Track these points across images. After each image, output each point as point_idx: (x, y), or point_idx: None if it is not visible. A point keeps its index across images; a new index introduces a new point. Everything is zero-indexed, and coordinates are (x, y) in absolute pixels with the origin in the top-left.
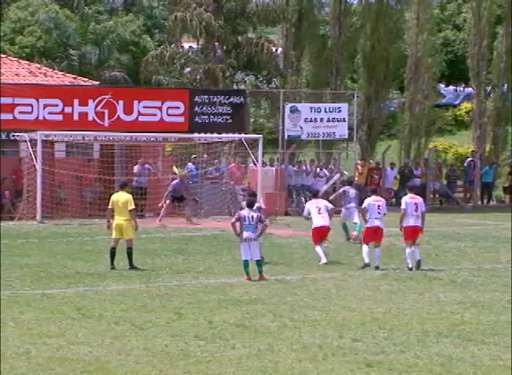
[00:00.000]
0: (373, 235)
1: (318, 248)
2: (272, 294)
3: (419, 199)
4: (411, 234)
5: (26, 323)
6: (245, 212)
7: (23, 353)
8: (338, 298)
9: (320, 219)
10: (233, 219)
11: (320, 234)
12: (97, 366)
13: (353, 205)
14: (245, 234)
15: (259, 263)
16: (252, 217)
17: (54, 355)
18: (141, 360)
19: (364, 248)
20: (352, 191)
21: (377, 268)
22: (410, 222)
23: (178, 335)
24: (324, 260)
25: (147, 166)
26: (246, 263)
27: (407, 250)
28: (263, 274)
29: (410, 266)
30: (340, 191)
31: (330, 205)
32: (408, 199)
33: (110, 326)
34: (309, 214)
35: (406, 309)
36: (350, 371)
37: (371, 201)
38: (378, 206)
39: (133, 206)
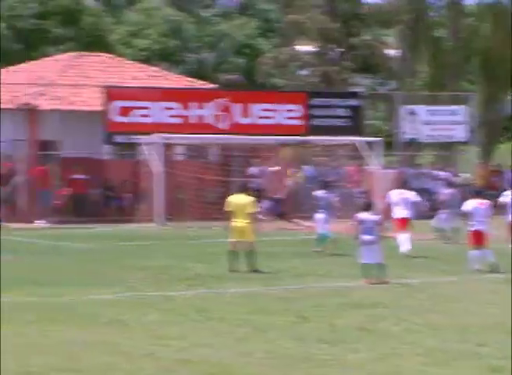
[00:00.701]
0: (478, 239)
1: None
2: (393, 297)
3: (486, 204)
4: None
5: (150, 324)
6: (364, 215)
7: (148, 354)
8: (459, 302)
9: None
10: (353, 222)
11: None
12: (220, 368)
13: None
14: (364, 237)
15: (381, 267)
16: (371, 220)
17: (177, 356)
18: (264, 363)
19: (473, 252)
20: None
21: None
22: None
23: (300, 338)
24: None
25: (263, 168)
26: (365, 266)
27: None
28: (385, 278)
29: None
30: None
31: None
32: (476, 204)
33: (232, 329)
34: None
35: None
36: None
37: (476, 204)
38: (483, 209)
39: (255, 209)
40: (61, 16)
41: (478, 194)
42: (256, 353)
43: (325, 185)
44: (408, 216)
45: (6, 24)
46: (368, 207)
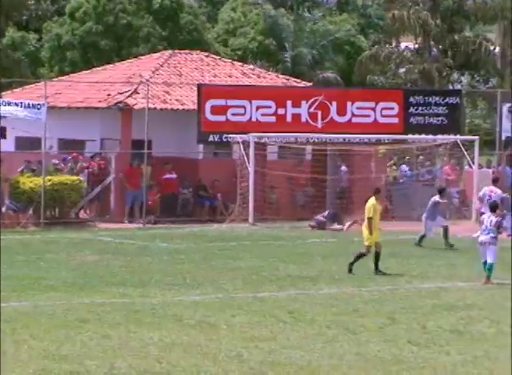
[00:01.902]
0: None
1: None
2: (488, 299)
3: None
4: None
5: (239, 326)
6: (486, 215)
7: (235, 356)
8: None
9: None
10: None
11: None
12: (308, 370)
13: None
14: (482, 238)
15: (490, 267)
16: (491, 221)
17: (266, 358)
18: (353, 365)
19: None
20: None
21: None
22: None
23: (391, 340)
24: None
25: (343, 167)
26: (484, 265)
27: None
28: (490, 279)
29: None
30: None
31: None
32: None
33: (322, 330)
34: None
35: None
36: None
37: None
38: None
39: (369, 215)
40: (157, 14)
41: None
42: (346, 355)
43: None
44: None
45: (98, 20)
46: (493, 208)
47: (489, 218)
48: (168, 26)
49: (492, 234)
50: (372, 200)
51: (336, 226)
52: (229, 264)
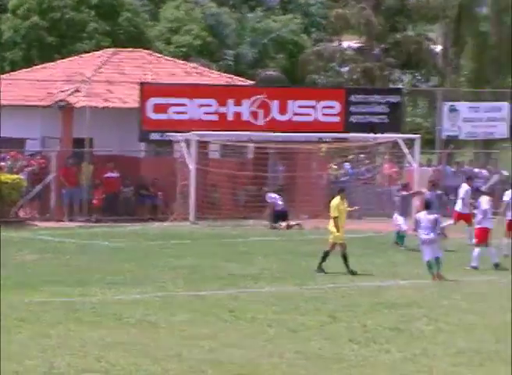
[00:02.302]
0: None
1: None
2: (427, 297)
3: None
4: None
5: (179, 324)
6: (421, 214)
7: (175, 355)
8: (495, 302)
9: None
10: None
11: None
12: (249, 368)
13: None
14: (424, 237)
15: (438, 261)
16: (429, 219)
17: (206, 357)
18: (294, 363)
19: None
20: None
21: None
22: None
23: (331, 338)
24: (474, 264)
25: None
26: (428, 264)
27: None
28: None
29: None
30: None
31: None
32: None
33: (263, 329)
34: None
35: None
36: None
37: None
38: None
39: (334, 214)
40: (98, 10)
41: None
42: (286, 353)
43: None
44: None
45: (41, 16)
46: (427, 206)
47: (426, 216)
48: (108, 23)
49: (433, 233)
50: (337, 199)
51: (281, 223)
52: (170, 263)
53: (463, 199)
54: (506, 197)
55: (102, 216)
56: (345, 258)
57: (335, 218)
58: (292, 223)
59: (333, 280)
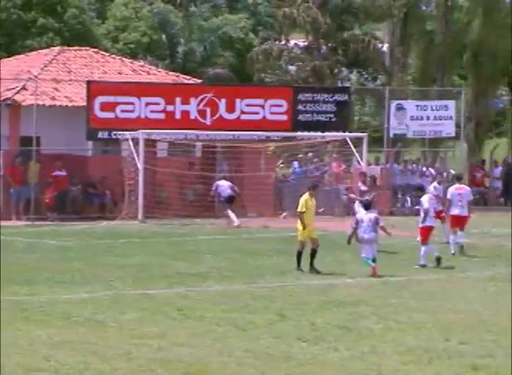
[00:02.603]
0: (457, 222)
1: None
2: (375, 295)
3: (465, 189)
4: (456, 222)
5: (128, 323)
6: (362, 214)
7: (123, 354)
8: (444, 300)
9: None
10: (353, 225)
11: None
12: (198, 367)
13: None
14: (365, 236)
15: (373, 260)
16: (370, 219)
17: (155, 356)
18: (243, 362)
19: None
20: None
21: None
22: (455, 211)
23: (280, 337)
24: (422, 262)
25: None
26: (367, 260)
27: (451, 237)
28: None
29: (452, 252)
30: None
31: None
32: (453, 190)
33: (211, 327)
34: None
35: None
36: None
37: (453, 190)
38: (459, 194)
39: (301, 209)
40: (44, 7)
41: (458, 179)
42: (235, 352)
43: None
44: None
45: None
46: (367, 206)
47: (367, 215)
48: (56, 21)
49: (374, 232)
50: (306, 195)
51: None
52: (119, 261)
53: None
54: (449, 194)
55: (51, 215)
56: (313, 255)
57: (300, 214)
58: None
59: (281, 278)
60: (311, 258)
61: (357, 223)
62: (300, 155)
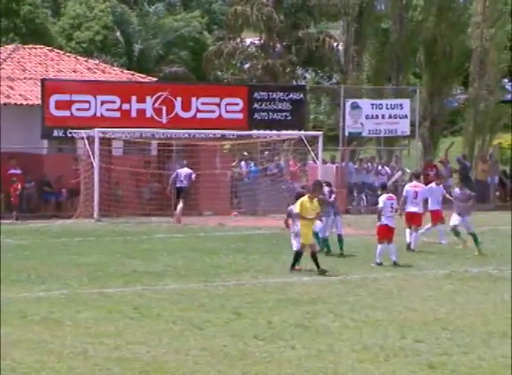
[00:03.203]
0: (411, 219)
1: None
2: (332, 293)
3: (420, 187)
4: (411, 219)
5: (84, 322)
6: (293, 206)
7: (80, 353)
8: (400, 298)
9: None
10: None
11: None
12: (155, 366)
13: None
14: (296, 228)
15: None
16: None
17: (111, 354)
18: (199, 360)
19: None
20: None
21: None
22: (410, 208)
23: (237, 335)
24: (378, 260)
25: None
26: (298, 254)
27: (407, 231)
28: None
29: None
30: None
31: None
32: (409, 187)
33: (168, 326)
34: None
35: (470, 310)
36: (411, 373)
37: (409, 187)
38: (415, 192)
39: (297, 211)
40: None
41: (417, 177)
42: (192, 350)
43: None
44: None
45: None
46: (298, 198)
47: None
48: (10, 18)
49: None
50: (304, 197)
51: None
52: (75, 260)
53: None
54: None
55: (5, 214)
56: (314, 259)
57: (301, 217)
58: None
59: (237, 277)
60: (314, 262)
61: (289, 215)
62: (256, 154)
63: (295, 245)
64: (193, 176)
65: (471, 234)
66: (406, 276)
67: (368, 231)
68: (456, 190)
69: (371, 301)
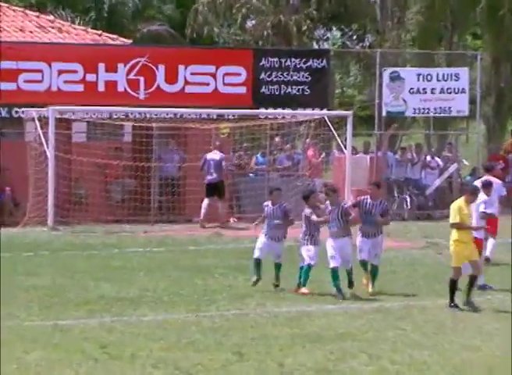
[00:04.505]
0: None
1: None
2: (365, 327)
3: (496, 182)
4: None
5: (34, 365)
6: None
7: None
8: (455, 333)
9: None
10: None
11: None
12: None
13: None
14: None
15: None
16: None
17: None
18: None
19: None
20: None
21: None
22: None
23: None
24: None
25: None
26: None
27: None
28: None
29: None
30: None
31: None
32: (479, 184)
33: (146, 371)
34: None
35: None
36: None
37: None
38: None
39: (453, 220)
40: None
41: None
42: None
43: None
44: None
45: None
46: (306, 198)
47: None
48: None
49: None
50: (460, 200)
51: None
52: (22, 282)
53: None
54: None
55: None
56: (471, 284)
57: (455, 225)
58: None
59: (239, 304)
60: (468, 289)
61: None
62: (262, 141)
63: (308, 260)
64: (224, 163)
65: None
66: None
67: (413, 243)
68: None
69: (417, 337)
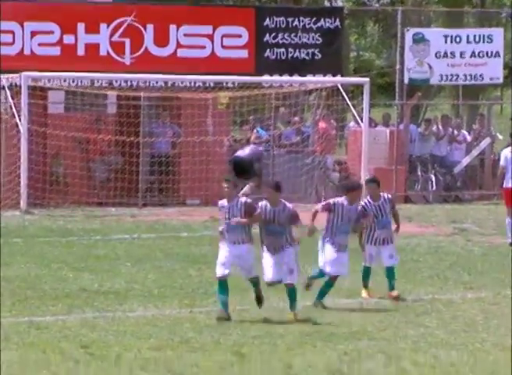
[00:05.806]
0: None
1: None
2: (384, 324)
3: None
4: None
5: (6, 366)
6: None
7: None
8: (487, 331)
9: None
10: (318, 207)
11: None
12: None
13: None
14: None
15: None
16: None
17: None
18: None
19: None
20: None
21: None
22: (510, 182)
23: None
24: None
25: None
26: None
27: (507, 220)
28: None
29: (510, 240)
30: None
31: None
32: (509, 153)
33: (133, 373)
34: None
35: None
36: None
37: (509, 153)
38: None
39: None
40: None
41: None
42: None
43: None
44: None
45: None
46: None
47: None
48: None
49: None
50: None
51: None
52: None
53: None
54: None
55: None
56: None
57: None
58: None
59: (240, 296)
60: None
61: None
62: (266, 112)
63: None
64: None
65: None
66: (498, 295)
67: (439, 229)
68: None
69: (442, 335)
